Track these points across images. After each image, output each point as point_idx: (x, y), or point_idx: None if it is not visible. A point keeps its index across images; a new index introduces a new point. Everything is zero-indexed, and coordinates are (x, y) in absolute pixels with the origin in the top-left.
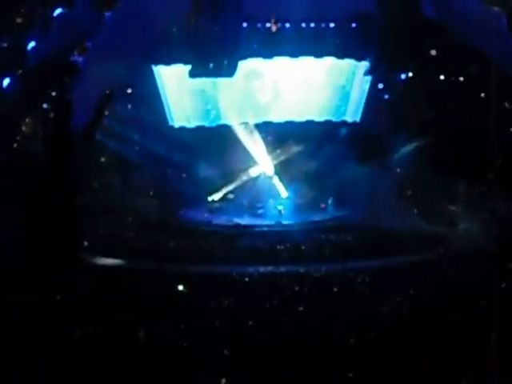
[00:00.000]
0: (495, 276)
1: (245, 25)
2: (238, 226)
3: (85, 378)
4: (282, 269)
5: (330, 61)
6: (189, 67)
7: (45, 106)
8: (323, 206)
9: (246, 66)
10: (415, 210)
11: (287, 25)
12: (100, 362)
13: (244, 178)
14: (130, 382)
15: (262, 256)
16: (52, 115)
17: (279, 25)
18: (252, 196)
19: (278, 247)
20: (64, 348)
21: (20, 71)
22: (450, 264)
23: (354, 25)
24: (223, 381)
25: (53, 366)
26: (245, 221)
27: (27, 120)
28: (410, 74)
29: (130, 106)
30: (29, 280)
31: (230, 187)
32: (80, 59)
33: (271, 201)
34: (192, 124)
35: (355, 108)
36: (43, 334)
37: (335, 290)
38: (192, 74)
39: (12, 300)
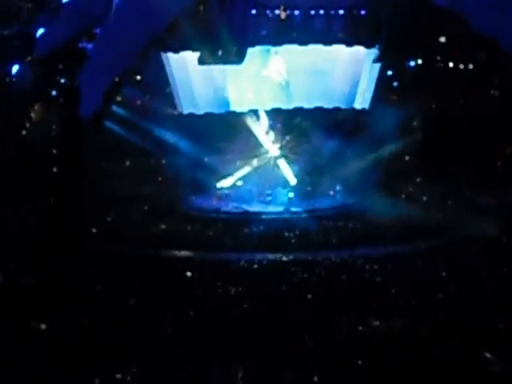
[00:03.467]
0: (504, 264)
1: (254, 12)
2: (247, 213)
3: (93, 364)
4: (291, 256)
5: (339, 48)
6: (197, 54)
7: (53, 93)
8: (332, 193)
9: (254, 53)
10: (424, 198)
11: (296, 12)
12: (108, 348)
13: (253, 165)
14: (138, 369)
15: (271, 243)
16: (60, 102)
17: (288, 12)
18: (261, 183)
19: (287, 234)
20: (72, 334)
21: (29, 58)
22: (460, 251)
23: (363, 12)
24: (239, 375)
25: (61, 352)
26: (253, 208)
27: (36, 107)
28: (420, 61)
29: (138, 93)
30: (37, 266)
31: (239, 174)
32: (88, 46)
33: (280, 188)
34: (200, 111)
35: (364, 95)
36: (51, 320)
37: (344, 277)
38: (201, 62)
39: (20, 286)
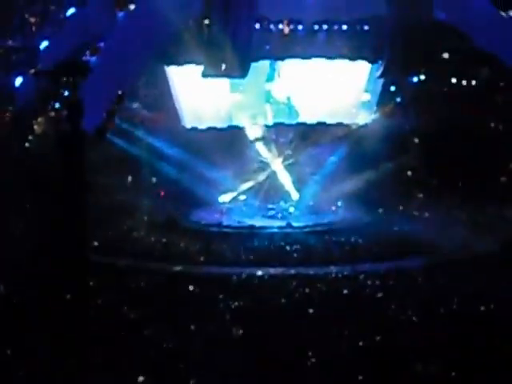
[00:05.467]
0: (505, 281)
1: (257, 26)
2: (249, 227)
3: (94, 375)
4: (293, 271)
5: (342, 63)
6: (201, 68)
7: (57, 105)
8: (334, 208)
9: (258, 67)
10: (426, 214)
11: (300, 27)
12: (107, 362)
13: (255, 179)
14: (137, 382)
15: (273, 258)
16: (64, 115)
17: (292, 26)
18: (263, 197)
19: (289, 249)
20: (73, 347)
21: (32, 71)
22: (461, 268)
23: (366, 27)
24: None
25: (62, 365)
26: (255, 222)
27: (39, 119)
28: (422, 77)
29: (141, 107)
30: (39, 280)
31: (241, 188)
32: (92, 59)
33: (282, 202)
34: (204, 125)
35: (367, 111)
36: (52, 334)
37: (345, 292)
38: (204, 75)
39: (22, 300)
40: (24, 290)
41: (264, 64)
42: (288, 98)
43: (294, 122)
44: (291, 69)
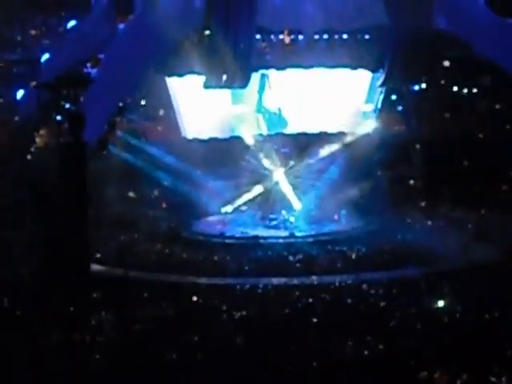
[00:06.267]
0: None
1: (258, 36)
2: (251, 237)
3: None
4: (295, 281)
5: (343, 72)
6: (202, 79)
7: (58, 117)
8: (336, 217)
9: (259, 77)
10: (429, 222)
11: (300, 36)
12: (111, 371)
13: (257, 189)
14: None
15: (275, 268)
16: (65, 127)
17: (292, 36)
18: (265, 208)
19: (291, 259)
20: (76, 357)
21: (34, 83)
22: (463, 276)
23: (367, 36)
24: None
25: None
26: (258, 232)
27: (41, 132)
28: (424, 86)
29: (142, 118)
30: (41, 292)
31: (243, 199)
32: (93, 71)
33: (284, 212)
34: (205, 136)
35: (369, 120)
36: (56, 344)
37: (349, 301)
38: (206, 86)
39: (26, 312)
40: (27, 303)
41: (264, 73)
42: (278, 109)
43: (295, 131)
44: (288, 78)
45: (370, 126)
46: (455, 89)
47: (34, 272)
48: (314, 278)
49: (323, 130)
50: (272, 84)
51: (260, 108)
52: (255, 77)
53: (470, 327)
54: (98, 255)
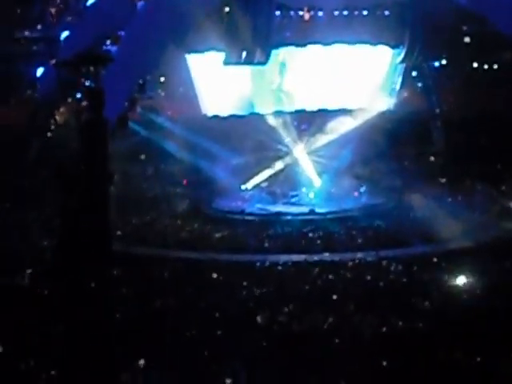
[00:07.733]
0: None
1: (278, 13)
2: (272, 214)
3: (117, 363)
4: (316, 257)
5: (363, 48)
6: (222, 55)
7: (78, 95)
8: (356, 194)
9: (279, 54)
10: (449, 199)
11: (320, 13)
12: (133, 349)
13: (277, 166)
14: (162, 368)
15: (295, 244)
16: (85, 105)
17: (312, 13)
18: (285, 184)
19: (311, 235)
20: (95, 336)
21: (53, 61)
22: (487, 254)
23: (386, 12)
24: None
25: (83, 355)
26: (278, 209)
27: (61, 109)
28: (444, 62)
29: (162, 95)
30: (62, 269)
31: (264, 176)
32: (113, 48)
33: (304, 189)
34: (225, 113)
35: (389, 96)
36: (76, 322)
37: (369, 278)
38: (225, 63)
39: (46, 290)
40: (47, 281)
41: (284, 50)
42: (309, 84)
43: (315, 108)
44: (308, 55)
45: (390, 102)
46: (475, 65)
47: (54, 249)
48: (334, 254)
49: (343, 106)
50: (292, 62)
51: (280, 86)
52: (276, 54)
53: (490, 305)
54: (119, 233)
